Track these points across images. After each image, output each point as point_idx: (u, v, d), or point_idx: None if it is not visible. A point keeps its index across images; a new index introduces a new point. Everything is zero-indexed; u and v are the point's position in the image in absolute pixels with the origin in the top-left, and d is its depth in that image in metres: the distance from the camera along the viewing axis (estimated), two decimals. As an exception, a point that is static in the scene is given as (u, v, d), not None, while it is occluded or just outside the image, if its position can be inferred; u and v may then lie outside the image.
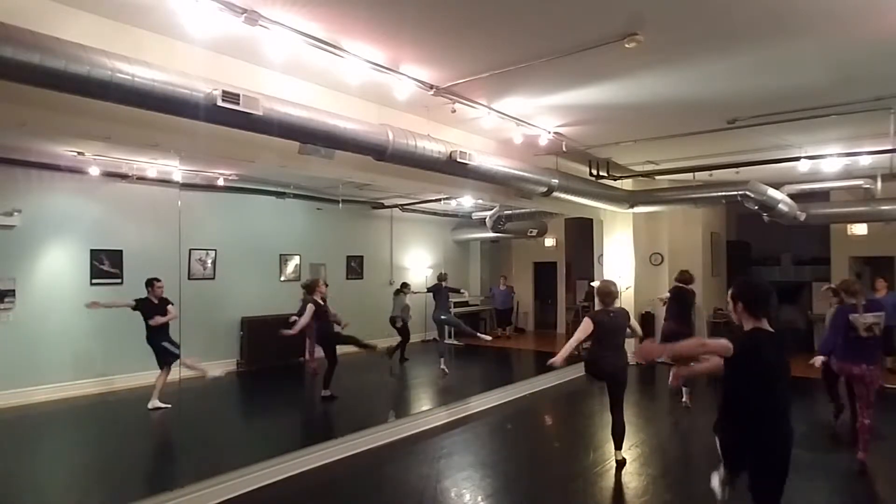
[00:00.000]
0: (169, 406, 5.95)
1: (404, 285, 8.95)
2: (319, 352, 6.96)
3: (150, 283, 6.08)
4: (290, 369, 8.50)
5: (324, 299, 6.75)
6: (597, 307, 4.92)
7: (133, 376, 6.67)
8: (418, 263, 11.18)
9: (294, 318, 6.65)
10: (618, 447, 4.95)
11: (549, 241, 13.10)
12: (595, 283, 10.09)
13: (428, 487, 4.51)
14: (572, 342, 4.72)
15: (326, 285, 6.96)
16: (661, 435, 5.98)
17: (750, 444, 2.74)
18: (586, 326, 4.72)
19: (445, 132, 6.00)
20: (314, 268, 9.50)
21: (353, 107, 5.04)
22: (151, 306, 6.04)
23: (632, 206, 8.97)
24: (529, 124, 6.20)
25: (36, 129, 3.68)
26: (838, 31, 3.90)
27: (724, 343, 2.70)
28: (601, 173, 8.25)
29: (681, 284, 7.16)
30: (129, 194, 7.22)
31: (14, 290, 6.33)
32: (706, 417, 7.01)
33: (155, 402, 6.02)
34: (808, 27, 3.84)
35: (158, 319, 5.95)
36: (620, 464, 4.87)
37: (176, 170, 5.64)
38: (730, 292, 2.88)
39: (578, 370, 9.03)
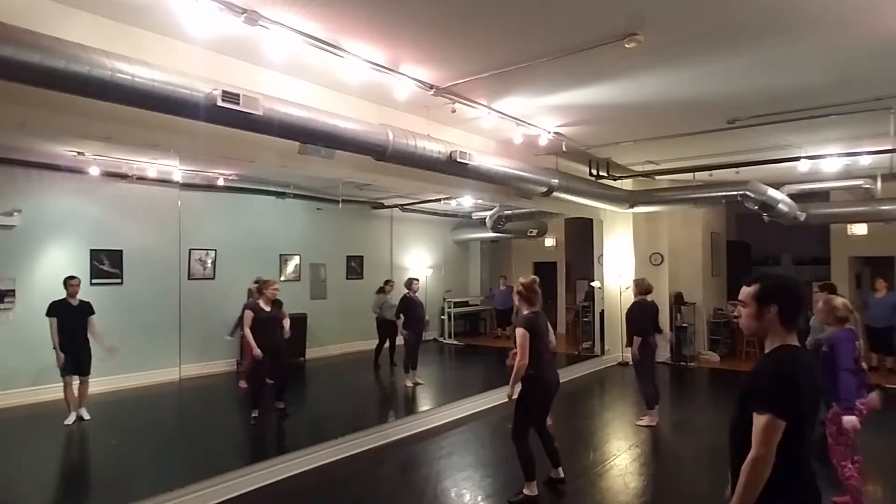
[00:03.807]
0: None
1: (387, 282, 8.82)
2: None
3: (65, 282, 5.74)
4: (290, 369, 8.48)
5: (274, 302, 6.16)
6: (524, 311, 4.31)
7: (133, 376, 6.67)
8: (418, 263, 11.18)
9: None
10: (556, 464, 4.51)
11: (549, 241, 13.10)
12: (596, 284, 10.18)
13: (428, 487, 4.52)
14: (518, 368, 4.11)
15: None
16: (661, 435, 5.98)
17: None
18: (523, 339, 4.11)
19: (445, 132, 6.00)
20: (314, 268, 9.49)
21: (353, 107, 5.04)
22: (67, 316, 5.68)
23: (632, 206, 8.97)
24: (529, 124, 6.20)
25: (36, 129, 3.67)
26: (838, 31, 3.89)
27: None
28: (601, 173, 8.25)
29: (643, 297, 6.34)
30: (129, 194, 7.21)
31: (14, 290, 6.33)
32: (705, 416, 7.03)
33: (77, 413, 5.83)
34: (808, 27, 3.84)
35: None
36: (561, 482, 4.49)
37: (176, 170, 5.62)
38: (754, 290, 2.01)
39: (577, 370, 9.08)
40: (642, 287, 6.31)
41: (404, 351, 7.87)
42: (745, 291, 2.06)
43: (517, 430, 4.27)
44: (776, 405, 1.83)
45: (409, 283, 7.95)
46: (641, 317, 6.19)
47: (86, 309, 5.86)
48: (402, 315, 7.85)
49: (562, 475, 4.53)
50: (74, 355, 5.73)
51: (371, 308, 8.58)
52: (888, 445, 5.44)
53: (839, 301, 3.97)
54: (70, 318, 5.73)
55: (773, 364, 1.95)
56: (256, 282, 6.34)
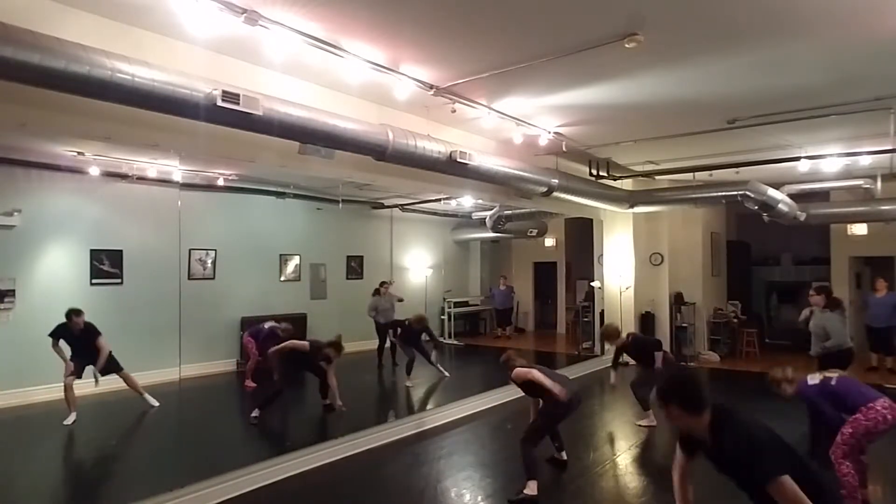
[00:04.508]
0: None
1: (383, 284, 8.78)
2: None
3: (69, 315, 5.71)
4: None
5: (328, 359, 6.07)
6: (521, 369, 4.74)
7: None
8: (418, 263, 11.18)
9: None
10: (561, 449, 4.99)
11: (549, 241, 13.10)
12: (596, 283, 10.18)
13: (428, 487, 4.51)
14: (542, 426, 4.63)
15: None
16: (661, 435, 5.98)
17: None
18: (521, 374, 4.66)
19: (445, 132, 6.00)
20: (314, 268, 9.49)
21: (353, 107, 5.04)
22: (72, 338, 5.74)
23: (632, 206, 8.97)
24: (529, 124, 6.20)
25: (36, 129, 3.67)
26: (838, 31, 3.90)
27: None
28: (601, 173, 8.24)
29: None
30: (129, 194, 7.21)
31: (14, 290, 6.33)
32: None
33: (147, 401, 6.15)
34: (808, 27, 3.84)
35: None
36: (563, 463, 4.92)
37: (176, 170, 5.63)
38: (659, 398, 2.42)
39: (577, 370, 9.07)
40: (616, 333, 6.35)
41: (406, 357, 7.90)
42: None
43: (529, 438, 4.43)
44: (775, 469, 2.04)
45: (416, 320, 7.79)
46: (648, 343, 6.41)
47: (90, 333, 5.86)
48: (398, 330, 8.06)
49: (564, 458, 4.90)
50: (94, 364, 5.86)
51: (367, 312, 8.58)
52: (888, 445, 5.43)
53: (780, 374, 4.05)
54: (76, 341, 5.81)
55: (737, 442, 2.19)
56: (337, 338, 6.11)
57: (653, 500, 4.35)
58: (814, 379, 4.03)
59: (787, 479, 2.03)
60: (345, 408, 6.08)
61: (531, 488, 4.22)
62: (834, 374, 4.02)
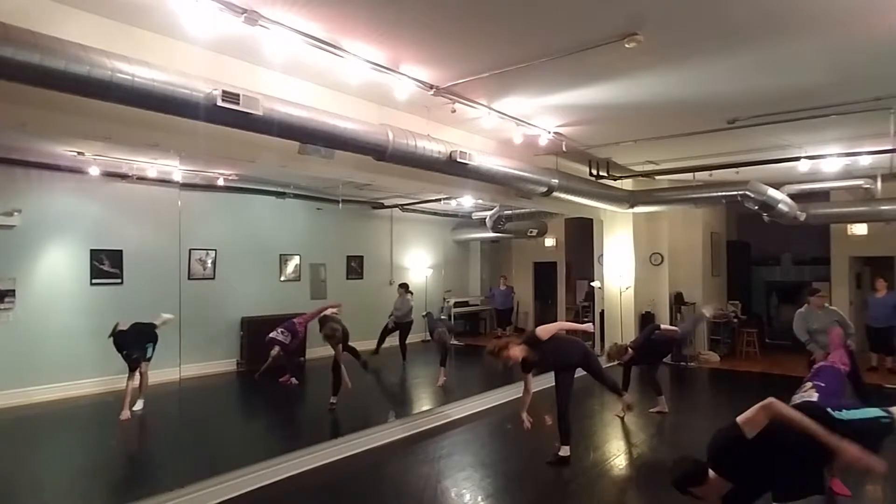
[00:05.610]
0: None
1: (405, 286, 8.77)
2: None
3: None
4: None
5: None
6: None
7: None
8: (418, 263, 11.18)
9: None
10: (566, 443, 5.08)
11: (549, 241, 13.09)
12: (596, 283, 10.17)
13: (428, 487, 4.52)
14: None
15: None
16: (661, 435, 5.99)
17: None
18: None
19: (445, 132, 6.00)
20: (314, 268, 9.49)
21: (353, 107, 5.04)
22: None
23: (632, 206, 8.97)
24: (529, 124, 6.20)
25: (36, 129, 3.67)
26: (838, 31, 3.90)
27: None
28: (601, 173, 8.24)
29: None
30: (129, 194, 7.21)
31: (14, 290, 6.33)
32: (705, 416, 7.03)
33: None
34: (808, 27, 3.84)
35: None
36: (566, 461, 4.98)
37: (176, 170, 5.63)
38: (681, 492, 2.75)
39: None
40: (623, 352, 6.53)
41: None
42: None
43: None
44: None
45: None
46: (651, 343, 6.64)
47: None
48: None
49: (567, 453, 4.97)
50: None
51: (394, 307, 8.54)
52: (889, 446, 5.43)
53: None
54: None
55: (717, 441, 2.71)
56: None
57: (653, 500, 4.36)
58: (809, 395, 3.78)
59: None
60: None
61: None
62: (807, 386, 3.90)
